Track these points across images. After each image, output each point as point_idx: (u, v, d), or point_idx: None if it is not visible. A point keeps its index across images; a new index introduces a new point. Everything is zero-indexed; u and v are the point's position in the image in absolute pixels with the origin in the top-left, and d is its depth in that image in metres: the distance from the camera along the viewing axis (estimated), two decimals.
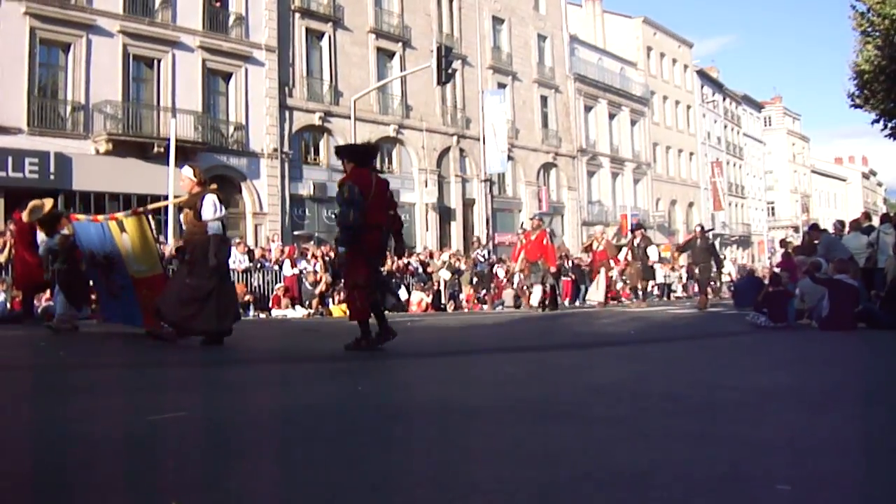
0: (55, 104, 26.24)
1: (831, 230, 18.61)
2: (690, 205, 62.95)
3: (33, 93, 25.49)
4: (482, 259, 25.60)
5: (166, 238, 23.16)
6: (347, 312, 8.54)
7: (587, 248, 23.41)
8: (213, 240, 8.68)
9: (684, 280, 35.42)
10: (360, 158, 8.28)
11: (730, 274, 39.84)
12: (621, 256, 22.18)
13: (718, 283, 36.44)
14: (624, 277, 24.38)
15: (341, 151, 8.55)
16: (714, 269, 21.65)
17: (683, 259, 26.10)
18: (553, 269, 19.81)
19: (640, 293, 22.46)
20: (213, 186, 9.39)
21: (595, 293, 22.79)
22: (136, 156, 26.98)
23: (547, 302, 19.51)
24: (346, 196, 7.77)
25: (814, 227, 20.35)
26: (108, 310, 11.19)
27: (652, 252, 22.51)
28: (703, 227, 21.70)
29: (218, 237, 8.76)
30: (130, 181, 26.70)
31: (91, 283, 11.42)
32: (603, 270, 22.64)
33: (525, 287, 20.45)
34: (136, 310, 10.30)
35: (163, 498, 2.51)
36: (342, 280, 8.71)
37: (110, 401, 5.10)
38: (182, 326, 8.80)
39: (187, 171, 9.42)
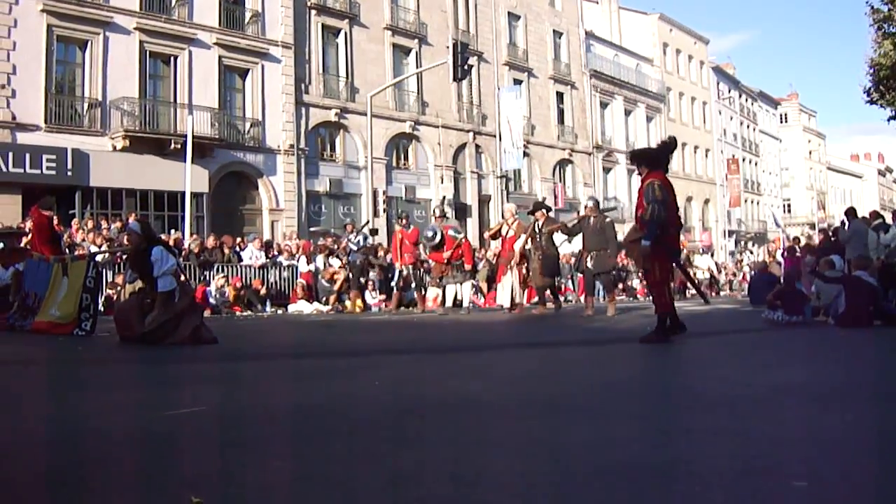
0: (72, 101, 26.44)
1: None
2: (706, 201, 62.77)
3: (50, 90, 25.70)
4: (355, 247, 20.69)
5: (183, 234, 23.23)
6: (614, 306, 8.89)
7: (494, 235, 17.84)
8: (159, 298, 8.58)
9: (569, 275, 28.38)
10: (654, 162, 8.78)
11: (709, 269, 37.80)
12: (517, 246, 16.29)
13: (693, 285, 34.38)
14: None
15: (635, 158, 9.12)
16: (615, 259, 16.52)
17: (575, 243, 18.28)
18: (468, 267, 16.84)
19: (546, 295, 16.42)
20: (161, 237, 9.29)
21: (505, 295, 16.91)
22: (152, 152, 27.15)
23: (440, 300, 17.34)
24: (657, 194, 8.32)
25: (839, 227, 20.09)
26: None
27: (560, 241, 17.30)
28: (596, 202, 16.38)
29: (165, 295, 8.60)
30: (147, 178, 26.85)
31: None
32: (514, 265, 16.54)
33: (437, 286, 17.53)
34: None
35: (180, 492, 2.52)
36: (644, 275, 8.78)
37: (127, 396, 5.13)
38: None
39: (134, 225, 9.40)
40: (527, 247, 15.93)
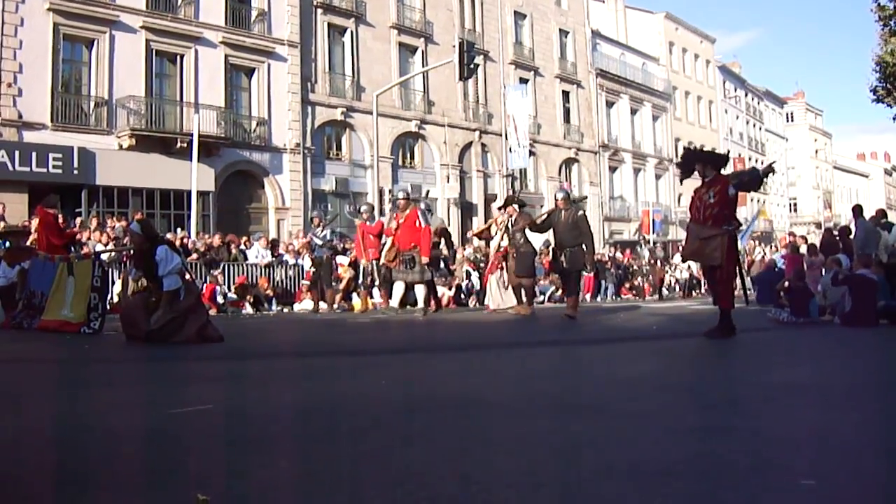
0: (79, 100, 26.44)
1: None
2: None
3: (57, 88, 25.71)
4: (320, 242, 18.94)
5: (189, 232, 23.24)
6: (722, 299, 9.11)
7: (480, 234, 17.12)
8: (164, 297, 8.60)
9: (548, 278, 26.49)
10: (721, 166, 9.33)
11: (689, 268, 35.58)
12: (493, 244, 15.59)
13: (663, 284, 33.40)
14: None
15: (709, 161, 9.43)
16: (592, 255, 14.20)
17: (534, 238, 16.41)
18: (426, 260, 14.96)
19: (523, 295, 14.98)
20: (165, 236, 9.33)
21: (500, 297, 15.78)
22: (159, 151, 27.16)
23: (427, 301, 15.75)
24: (745, 180, 9.17)
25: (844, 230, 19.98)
26: None
27: (533, 238, 15.44)
28: (567, 194, 14.73)
29: (170, 294, 8.62)
30: (153, 176, 26.87)
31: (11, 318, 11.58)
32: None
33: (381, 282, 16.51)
34: None
35: (186, 490, 2.52)
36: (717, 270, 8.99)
37: (134, 394, 5.14)
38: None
39: (135, 226, 9.41)
40: (501, 244, 15.25)
